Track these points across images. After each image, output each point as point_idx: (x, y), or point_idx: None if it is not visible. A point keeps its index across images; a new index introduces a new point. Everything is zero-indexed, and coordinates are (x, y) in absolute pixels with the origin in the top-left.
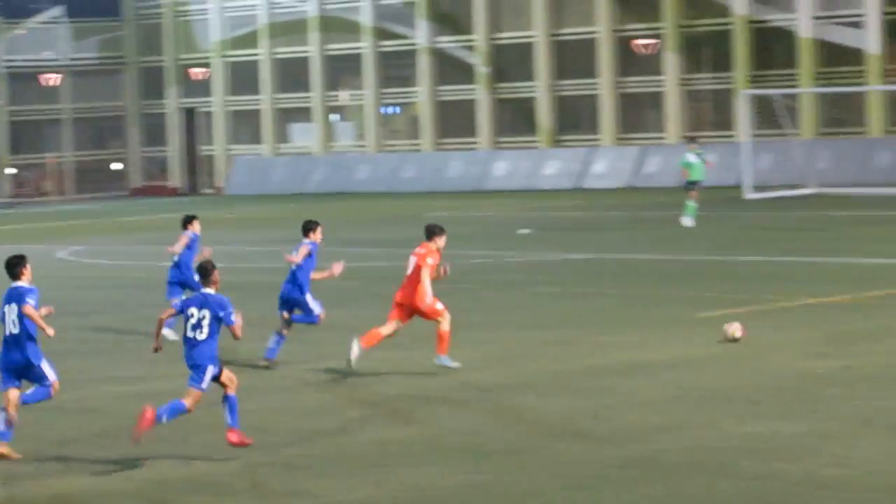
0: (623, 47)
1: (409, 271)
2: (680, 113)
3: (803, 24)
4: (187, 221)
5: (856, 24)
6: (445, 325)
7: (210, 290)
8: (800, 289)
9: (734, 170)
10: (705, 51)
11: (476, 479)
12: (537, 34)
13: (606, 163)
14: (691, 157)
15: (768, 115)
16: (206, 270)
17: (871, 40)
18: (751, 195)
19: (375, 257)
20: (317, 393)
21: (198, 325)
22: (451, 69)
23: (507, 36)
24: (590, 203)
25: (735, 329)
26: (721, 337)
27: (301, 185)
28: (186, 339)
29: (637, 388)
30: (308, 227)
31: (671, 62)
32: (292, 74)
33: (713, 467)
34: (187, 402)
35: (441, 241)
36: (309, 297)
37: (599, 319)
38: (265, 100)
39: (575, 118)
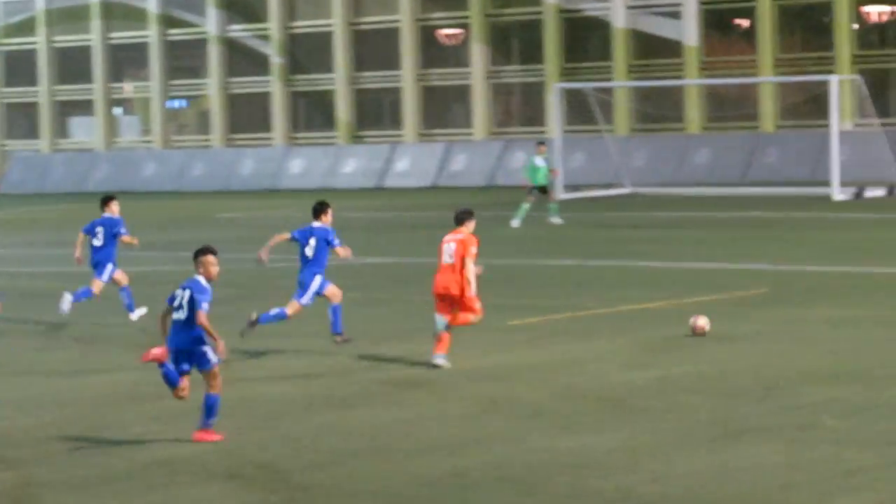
0: (427, 37)
1: (449, 260)
2: (487, 107)
3: (618, 13)
4: None
5: (673, 15)
6: (473, 318)
7: (199, 278)
8: (615, 295)
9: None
10: (514, 41)
11: (271, 499)
12: (335, 23)
13: (409, 160)
14: (539, 162)
15: (581, 111)
16: (198, 255)
17: (688, 31)
18: (563, 195)
19: (159, 261)
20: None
21: (179, 307)
22: (243, 60)
23: (304, 24)
24: (392, 203)
25: (703, 322)
26: (689, 331)
27: (82, 183)
28: (173, 322)
29: (444, 401)
30: (320, 210)
31: (478, 53)
32: (72, 64)
33: (523, 484)
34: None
35: (472, 226)
36: (319, 279)
37: (403, 327)
38: (43, 91)
39: (376, 113)
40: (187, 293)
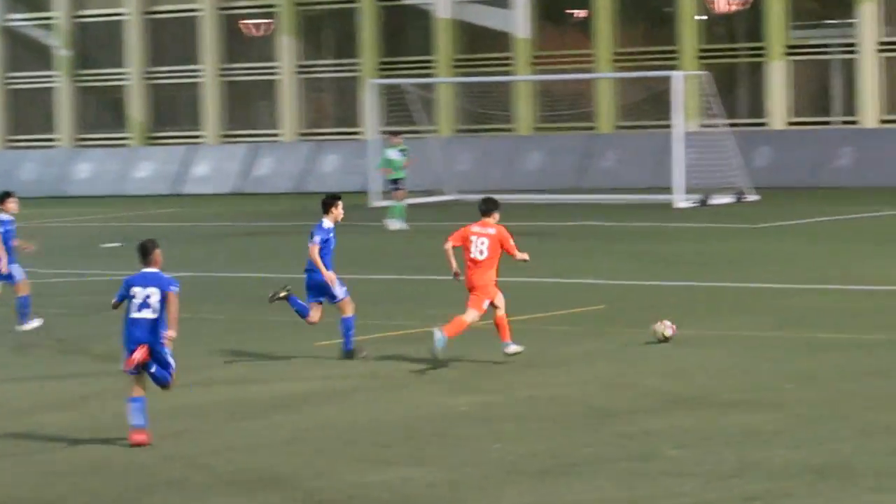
0: (230, 28)
1: (479, 256)
2: (297, 106)
3: (441, 2)
4: None
5: (501, 4)
6: (501, 310)
7: (153, 270)
8: (436, 313)
9: (360, 173)
10: (327, 33)
11: None
12: (128, 11)
13: (210, 164)
14: (393, 154)
15: (400, 109)
16: (147, 249)
17: (519, 22)
18: (379, 202)
19: None
20: None
21: (145, 305)
22: (24, 52)
23: (93, 13)
24: (190, 211)
25: (665, 328)
26: (652, 337)
27: None
28: (130, 320)
29: (246, 430)
30: (330, 203)
31: (286, 46)
32: None
33: None
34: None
35: (498, 216)
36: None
37: (201, 350)
38: None
39: (173, 111)
40: (154, 290)
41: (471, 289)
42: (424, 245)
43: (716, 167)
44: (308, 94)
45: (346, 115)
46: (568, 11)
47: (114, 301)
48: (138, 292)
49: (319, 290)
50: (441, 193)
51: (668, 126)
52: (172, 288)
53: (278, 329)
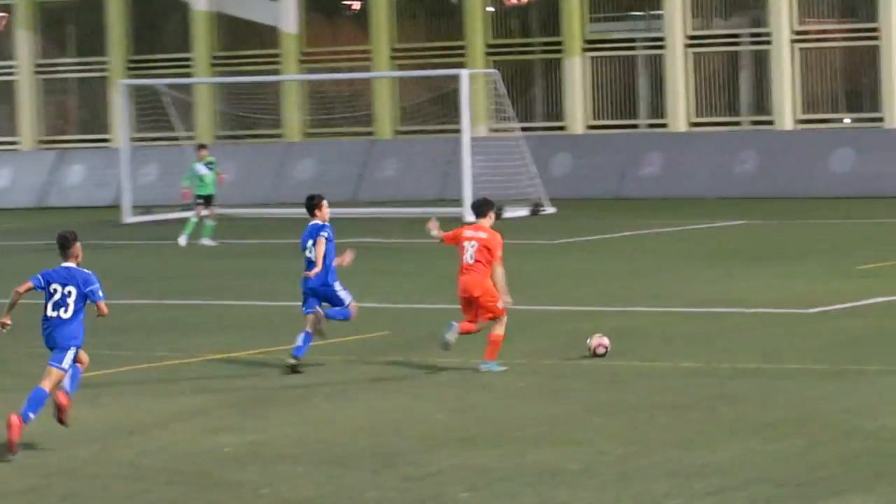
0: None
1: (470, 260)
2: (37, 110)
3: None
4: None
5: None
6: (500, 328)
7: (71, 264)
8: (195, 342)
9: (110, 185)
10: (70, 28)
11: None
12: None
13: None
14: (201, 169)
15: (154, 113)
16: (66, 241)
17: (287, 16)
18: (131, 218)
19: None
20: None
21: (62, 303)
22: None
23: None
24: None
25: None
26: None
27: None
28: (47, 319)
29: None
30: (313, 204)
31: (24, 42)
32: None
33: None
34: (46, 385)
35: (493, 218)
36: (338, 286)
37: None
38: None
39: None
40: (72, 289)
41: (464, 297)
42: (183, 265)
43: (508, 176)
44: (49, 96)
45: (94, 120)
46: (342, 3)
47: (22, 287)
48: (57, 289)
49: (319, 296)
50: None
51: (455, 131)
52: (100, 293)
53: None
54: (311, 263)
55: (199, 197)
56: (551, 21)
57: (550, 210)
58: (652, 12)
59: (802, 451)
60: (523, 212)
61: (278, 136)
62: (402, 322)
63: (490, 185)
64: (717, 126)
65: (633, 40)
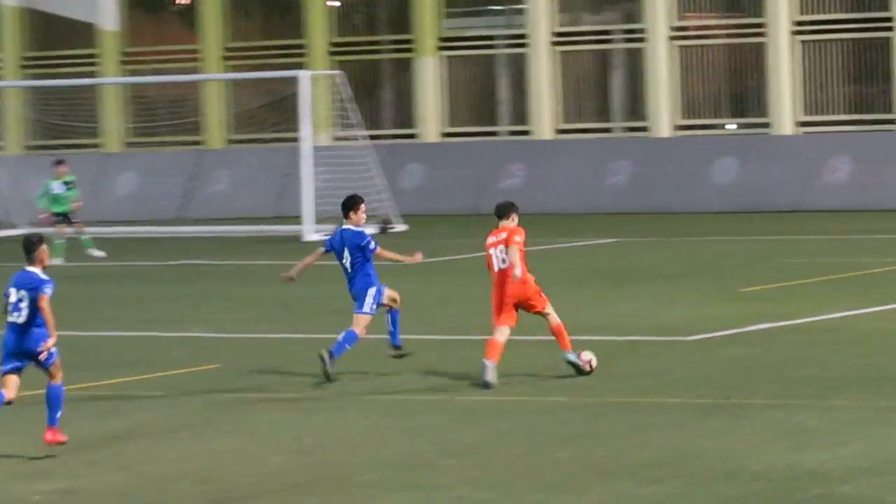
0: None
1: (503, 266)
2: None
3: None
4: None
5: None
6: (555, 315)
7: (36, 269)
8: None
9: None
10: None
11: None
12: None
13: None
14: (56, 188)
15: None
16: (31, 245)
17: (105, 12)
18: None
19: None
20: None
21: (16, 308)
22: None
23: None
24: None
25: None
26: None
27: None
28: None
29: None
30: (352, 203)
31: None
32: None
33: None
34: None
35: (516, 219)
36: (372, 291)
37: None
38: None
39: None
40: (25, 294)
41: (514, 302)
42: None
43: (353, 190)
44: None
45: None
46: None
47: None
48: (12, 293)
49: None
50: (9, 226)
51: (294, 139)
52: (45, 289)
53: None
54: (346, 272)
55: (57, 215)
56: (401, 17)
57: (401, 227)
58: (513, 6)
59: (681, 494)
60: (371, 229)
61: (96, 145)
62: (233, 353)
63: (332, 200)
64: (587, 133)
65: (492, 38)
